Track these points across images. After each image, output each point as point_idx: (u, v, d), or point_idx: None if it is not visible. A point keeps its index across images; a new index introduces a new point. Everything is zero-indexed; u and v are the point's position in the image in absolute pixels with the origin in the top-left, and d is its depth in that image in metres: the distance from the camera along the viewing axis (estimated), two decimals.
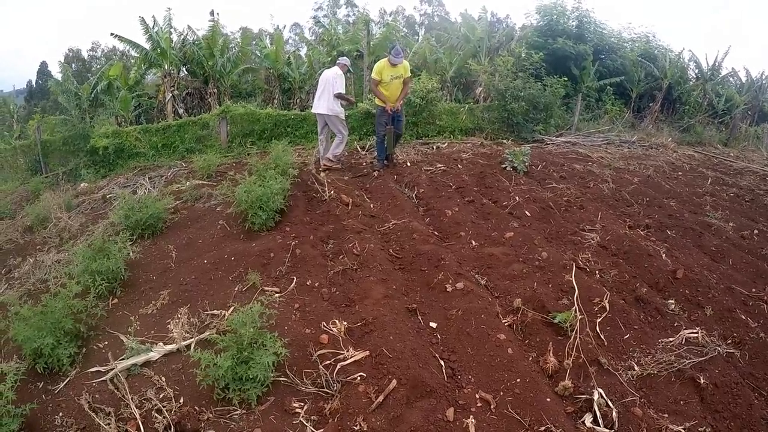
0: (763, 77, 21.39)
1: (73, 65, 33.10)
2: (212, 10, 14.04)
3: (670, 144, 14.34)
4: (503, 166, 8.92)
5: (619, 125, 15.37)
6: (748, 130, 19.12)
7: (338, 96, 8.68)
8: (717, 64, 19.80)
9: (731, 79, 21.92)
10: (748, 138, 18.39)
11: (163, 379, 3.81)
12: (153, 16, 13.74)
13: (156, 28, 13.60)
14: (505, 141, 12.24)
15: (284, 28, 33.25)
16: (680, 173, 10.84)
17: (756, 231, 7.30)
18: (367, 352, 3.95)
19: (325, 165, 9.03)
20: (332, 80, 8.72)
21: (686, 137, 16.56)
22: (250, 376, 3.50)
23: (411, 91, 12.37)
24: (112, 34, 13.72)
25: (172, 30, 13.71)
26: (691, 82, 19.94)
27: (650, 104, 18.72)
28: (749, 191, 9.76)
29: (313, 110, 9.11)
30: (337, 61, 9.19)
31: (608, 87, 17.17)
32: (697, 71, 20.35)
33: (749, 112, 21.04)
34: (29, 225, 7.74)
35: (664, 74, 18.19)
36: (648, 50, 19.11)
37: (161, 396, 3.63)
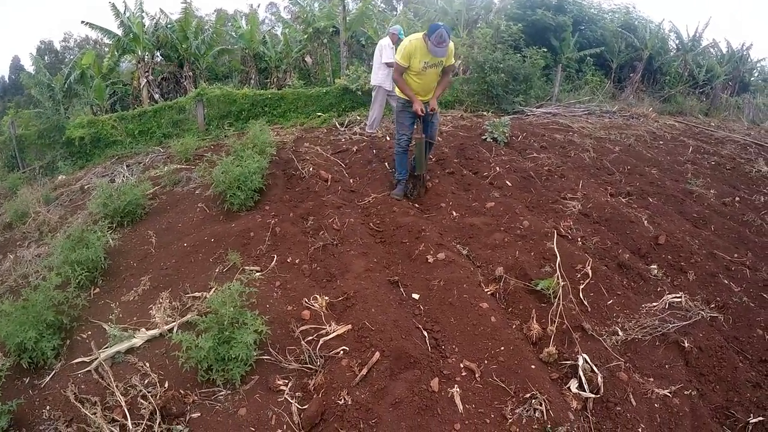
0: (744, 48, 21.51)
1: (46, 57, 32.58)
2: None
3: (651, 114, 14.33)
4: (483, 137, 8.85)
5: (599, 96, 15.38)
6: (729, 100, 19.23)
7: (388, 65, 8.79)
8: (698, 35, 19.94)
9: (712, 50, 22.06)
10: (729, 108, 18.49)
11: (147, 364, 3.77)
12: (124, 2, 13.57)
13: (128, 14, 13.41)
14: (485, 113, 12.16)
15: (258, 7, 32.75)
16: (661, 142, 10.85)
17: (737, 198, 7.36)
18: (350, 326, 3.94)
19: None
20: (378, 51, 9.03)
21: (667, 107, 16.64)
22: (233, 356, 3.48)
23: None
24: (83, 22, 13.50)
25: (144, 14, 13.49)
26: (671, 53, 20.05)
27: (631, 75, 18.78)
28: (730, 159, 9.79)
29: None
30: (388, 31, 9.38)
31: (588, 58, 17.18)
32: (677, 42, 20.46)
33: (730, 83, 21.20)
34: (8, 222, 7.62)
35: (644, 45, 18.24)
36: (628, 21, 19.16)
37: (146, 382, 3.59)
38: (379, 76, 9.09)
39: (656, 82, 18.92)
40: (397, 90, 6.43)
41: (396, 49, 8.36)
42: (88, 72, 13.56)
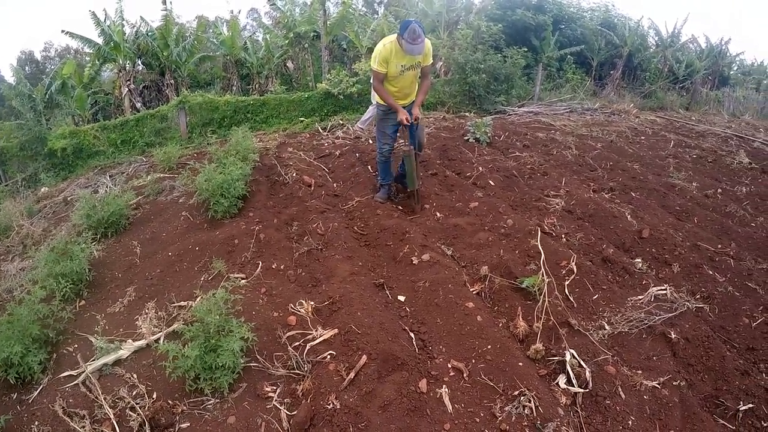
0: (722, 43, 21.81)
1: (27, 68, 32.18)
2: None
3: (632, 110, 14.48)
4: (466, 138, 8.90)
5: (581, 93, 15.53)
6: (709, 94, 19.50)
7: None
8: (676, 31, 20.28)
9: (691, 45, 22.47)
10: (710, 102, 18.72)
11: (135, 376, 3.76)
12: (104, 10, 13.49)
13: (108, 22, 13.35)
14: (467, 114, 12.24)
15: (239, 13, 32.64)
16: (643, 137, 10.96)
17: (719, 190, 7.43)
18: (336, 330, 3.94)
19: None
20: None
21: (648, 103, 16.83)
22: (220, 364, 3.47)
23: (370, 68, 12.31)
24: (63, 31, 13.41)
25: (124, 22, 13.47)
26: (651, 50, 20.40)
27: (611, 72, 19.02)
28: (712, 152, 9.90)
29: None
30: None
31: (569, 56, 17.36)
32: (656, 38, 20.78)
33: (710, 77, 21.55)
34: None
35: (624, 42, 18.48)
36: (607, 19, 19.43)
37: (134, 393, 3.59)
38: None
39: (636, 79, 19.18)
40: (376, 97, 6.11)
41: None
42: (69, 82, 13.48)
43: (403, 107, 5.92)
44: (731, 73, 23.82)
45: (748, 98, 19.31)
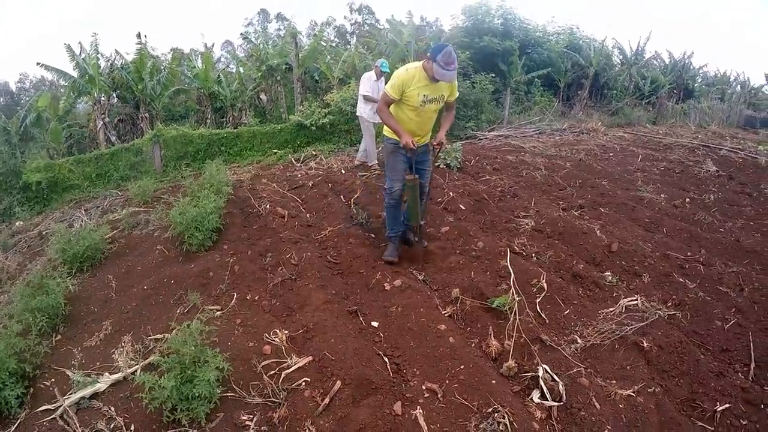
0: (686, 57, 22.47)
1: (1, 99, 32.00)
2: (138, 33, 13.87)
3: (600, 128, 14.85)
4: (437, 164, 8.96)
5: (549, 115, 15.89)
6: (675, 107, 20.02)
7: (365, 97, 9.25)
8: (640, 48, 20.89)
9: (655, 61, 23.15)
10: (676, 115, 19.27)
11: (113, 408, 3.77)
12: (80, 43, 13.57)
13: (83, 55, 13.40)
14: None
15: (213, 46, 33.01)
16: (611, 154, 11.25)
17: (687, 199, 7.68)
18: (310, 358, 4.00)
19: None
20: (361, 83, 9.45)
21: (616, 120, 17.27)
22: (196, 394, 3.50)
23: (341, 99, 12.31)
24: (38, 63, 13.45)
25: (99, 56, 13.54)
26: (616, 68, 20.95)
27: (578, 92, 19.47)
28: (679, 164, 10.20)
29: None
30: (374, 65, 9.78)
31: (536, 79, 17.80)
32: (621, 57, 21.34)
33: (675, 91, 22.17)
34: None
35: (589, 62, 18.97)
36: (573, 41, 19.93)
37: (112, 426, 3.60)
38: (359, 108, 9.45)
39: (604, 97, 19.68)
40: (385, 130, 5.45)
41: (379, 82, 9.32)
42: (45, 114, 13.52)
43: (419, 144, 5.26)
44: (695, 85, 24.47)
45: (714, 108, 19.89)
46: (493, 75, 14.45)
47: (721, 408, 3.46)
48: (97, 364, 4.38)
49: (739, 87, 25.59)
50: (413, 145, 5.02)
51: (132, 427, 3.59)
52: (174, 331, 4.38)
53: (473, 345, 4.17)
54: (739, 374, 3.85)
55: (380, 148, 9.31)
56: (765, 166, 10.53)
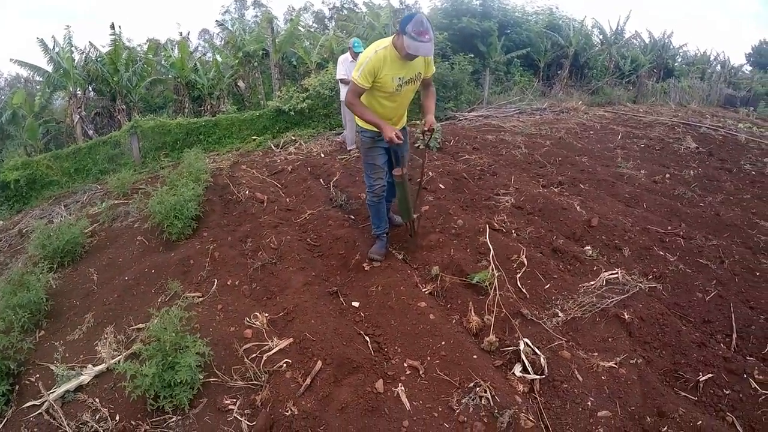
0: (665, 36, 22.60)
1: None
2: (112, 23, 13.61)
3: (580, 107, 14.91)
4: (416, 145, 9.04)
5: (529, 95, 15.90)
6: (655, 86, 20.13)
7: (341, 81, 9.28)
8: (620, 28, 21.00)
9: (635, 41, 23.29)
10: (656, 94, 19.40)
11: (97, 400, 3.76)
12: (53, 36, 13.35)
13: (57, 49, 13.18)
14: (417, 122, 12.43)
15: (189, 34, 32.63)
16: (591, 132, 11.30)
17: (668, 175, 7.72)
18: (291, 339, 4.03)
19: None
20: (337, 66, 9.42)
21: (596, 99, 17.34)
22: (179, 380, 3.51)
23: (319, 83, 12.21)
24: (11, 59, 13.24)
25: (73, 49, 13.36)
26: (596, 48, 21.01)
27: (558, 72, 19.53)
28: (659, 141, 10.27)
29: None
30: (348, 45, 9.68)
31: (516, 59, 17.81)
32: (601, 37, 21.41)
33: (655, 70, 22.31)
34: None
35: (569, 42, 19.02)
36: (552, 21, 19.96)
37: (97, 417, 3.59)
38: (342, 92, 9.32)
39: (584, 77, 19.74)
40: (358, 121, 4.79)
41: (354, 63, 6.54)
42: (20, 111, 13.33)
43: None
44: (675, 64, 24.64)
45: (694, 87, 20.06)
46: (473, 56, 14.40)
47: (703, 378, 3.49)
48: (81, 357, 4.37)
49: (719, 66, 25.85)
50: (399, 139, 4.37)
51: (117, 417, 3.58)
52: (154, 319, 4.40)
53: (454, 321, 4.19)
54: (721, 345, 3.87)
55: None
56: (745, 143, 10.65)
